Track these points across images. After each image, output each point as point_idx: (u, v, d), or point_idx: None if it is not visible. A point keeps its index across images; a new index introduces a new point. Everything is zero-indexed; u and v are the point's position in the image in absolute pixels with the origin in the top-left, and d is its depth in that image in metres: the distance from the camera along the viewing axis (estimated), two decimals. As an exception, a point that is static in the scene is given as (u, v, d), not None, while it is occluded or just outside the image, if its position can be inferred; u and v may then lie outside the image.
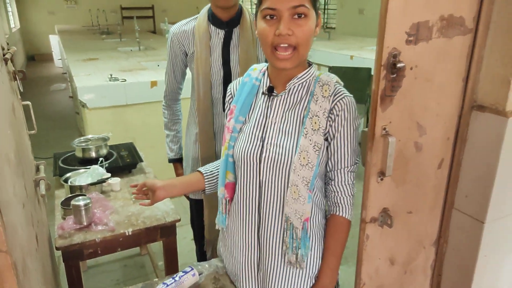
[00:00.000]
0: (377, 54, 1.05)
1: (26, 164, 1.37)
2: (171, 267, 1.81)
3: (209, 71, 1.63)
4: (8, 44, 1.45)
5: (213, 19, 1.61)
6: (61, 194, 1.96)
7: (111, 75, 3.19)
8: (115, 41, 6.30)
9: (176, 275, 1.29)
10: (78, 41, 6.33)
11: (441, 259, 1.34)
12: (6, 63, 1.27)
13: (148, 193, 1.27)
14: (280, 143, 1.09)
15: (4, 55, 1.27)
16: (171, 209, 1.81)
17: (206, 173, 1.31)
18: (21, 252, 0.95)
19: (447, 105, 1.17)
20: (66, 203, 1.77)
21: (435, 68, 1.12)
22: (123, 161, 2.18)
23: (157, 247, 2.80)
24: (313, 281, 1.18)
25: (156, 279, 1.38)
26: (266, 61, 1.62)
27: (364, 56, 4.42)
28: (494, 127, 1.14)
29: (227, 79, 1.63)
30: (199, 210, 1.82)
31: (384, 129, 1.09)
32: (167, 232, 1.75)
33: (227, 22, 1.60)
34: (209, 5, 1.63)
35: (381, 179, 1.13)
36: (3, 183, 0.89)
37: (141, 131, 3.21)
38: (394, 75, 1.07)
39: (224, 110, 1.66)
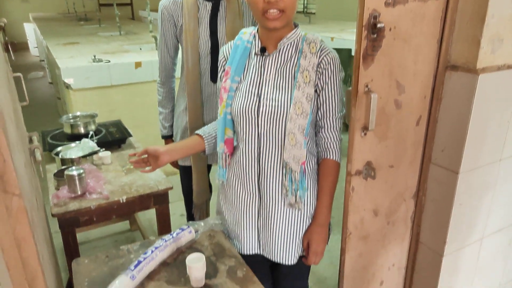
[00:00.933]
0: (359, 16, 1.13)
1: (21, 133, 1.40)
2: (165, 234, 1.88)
3: (197, 42, 1.69)
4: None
5: None
6: (52, 168, 1.99)
7: (94, 56, 3.18)
8: (95, 27, 6.21)
9: (174, 232, 1.36)
10: (56, 27, 6.21)
11: (420, 211, 1.45)
12: None
13: (147, 161, 1.33)
14: (276, 97, 1.18)
15: (-3, 22, 1.29)
16: (163, 179, 1.87)
17: (204, 135, 1.37)
18: (28, 203, 0.99)
19: (423, 65, 1.27)
20: (59, 174, 1.80)
21: (411, 30, 1.21)
22: (112, 136, 2.22)
23: (146, 222, 2.86)
24: (310, 221, 1.29)
25: (153, 237, 1.44)
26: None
27: (344, 37, 4.51)
28: (466, 85, 1.24)
29: (214, 50, 1.69)
30: (188, 176, 1.88)
31: (367, 86, 1.17)
32: (160, 199, 1.81)
33: None
34: None
35: (365, 134, 1.22)
36: (10, 134, 0.93)
37: (127, 111, 3.23)
38: (375, 35, 1.15)
39: (212, 80, 1.73)
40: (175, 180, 2.01)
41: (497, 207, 1.50)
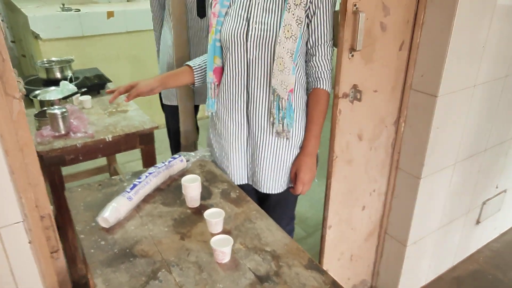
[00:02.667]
0: None
1: None
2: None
3: None
4: None
5: None
6: (30, 112, 1.93)
7: (63, 4, 3.03)
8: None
9: (166, 160, 1.38)
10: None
11: (401, 137, 1.53)
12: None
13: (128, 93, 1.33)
14: (265, 21, 1.18)
15: None
16: (147, 119, 1.86)
17: (194, 66, 1.37)
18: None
19: (407, -12, 1.30)
20: (40, 115, 1.76)
21: (398, -48, 1.23)
22: (91, 82, 2.17)
23: (126, 170, 2.85)
24: (298, 150, 1.32)
25: (145, 168, 1.46)
26: None
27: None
28: (447, 8, 1.29)
29: None
30: (175, 116, 1.89)
31: (355, 5, 1.20)
32: (146, 139, 1.81)
33: None
34: None
35: (352, 55, 1.26)
36: None
37: (101, 64, 3.12)
38: (364, -45, 1.17)
39: (198, 15, 1.70)
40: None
41: (470, 133, 1.61)
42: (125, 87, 1.33)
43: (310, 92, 1.28)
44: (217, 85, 1.33)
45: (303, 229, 2.34)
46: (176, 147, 2.01)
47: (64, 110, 1.67)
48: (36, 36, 2.88)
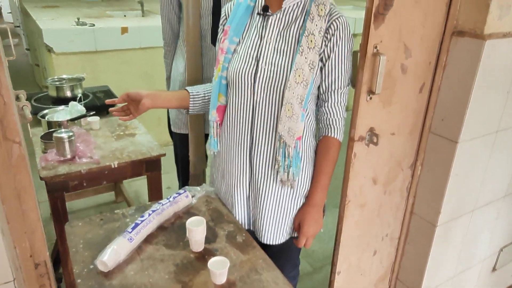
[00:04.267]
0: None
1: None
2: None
3: (196, 1, 1.58)
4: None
5: None
6: (38, 132, 1.90)
7: (78, 19, 3.03)
8: (74, -7, 5.92)
9: (170, 196, 1.33)
10: (33, -10, 5.88)
11: (416, 181, 1.46)
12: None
13: (127, 109, 1.28)
14: (275, 62, 1.12)
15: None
16: (155, 145, 1.82)
17: (192, 92, 1.31)
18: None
19: (431, 29, 1.25)
20: (46, 137, 1.72)
21: (423, -8, 1.18)
22: (101, 101, 2.14)
23: (133, 194, 2.81)
24: (303, 200, 1.25)
25: (149, 202, 1.40)
26: None
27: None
28: (471, 51, 1.23)
29: (216, 10, 1.60)
30: (184, 144, 1.84)
31: (376, 47, 1.15)
32: (152, 166, 1.77)
33: None
34: None
35: (370, 98, 1.21)
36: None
37: (114, 80, 3.12)
38: (387, -5, 1.12)
39: (212, 43, 1.65)
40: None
41: (490, 179, 1.53)
42: (121, 97, 1.27)
43: (320, 140, 1.21)
44: (219, 124, 1.28)
45: (309, 264, 2.26)
46: (183, 174, 1.96)
47: (71, 134, 1.63)
48: (50, 50, 2.87)
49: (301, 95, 1.10)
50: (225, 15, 1.25)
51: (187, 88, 1.33)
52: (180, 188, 2.08)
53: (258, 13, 1.17)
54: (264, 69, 1.13)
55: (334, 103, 1.17)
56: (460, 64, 1.27)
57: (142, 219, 1.19)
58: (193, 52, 1.67)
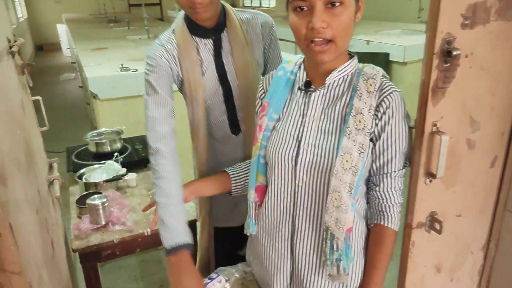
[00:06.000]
0: (429, 40, 0.93)
1: (38, 164, 1.28)
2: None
3: (202, 95, 1.28)
4: (14, 35, 1.35)
5: (195, 29, 1.24)
6: (76, 190, 1.89)
7: (122, 65, 3.07)
8: (123, 30, 6.16)
9: (203, 281, 1.20)
10: (86, 30, 6.21)
11: (490, 264, 1.23)
12: (13, 57, 1.17)
13: None
14: (319, 144, 0.98)
15: (10, 48, 1.16)
16: (191, 207, 1.72)
17: (233, 174, 1.21)
18: (36, 268, 0.86)
19: (503, 96, 1.05)
20: (81, 201, 1.69)
21: (491, 55, 0.99)
22: (138, 155, 2.09)
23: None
24: None
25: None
26: (265, 65, 1.40)
27: (381, 40, 4.24)
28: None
29: (228, 96, 1.32)
30: (228, 240, 1.53)
31: (435, 125, 0.97)
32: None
33: (214, 28, 1.25)
34: (182, 12, 1.27)
35: (430, 181, 1.02)
36: (12, 192, 0.80)
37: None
38: (448, 64, 0.94)
39: (233, 133, 1.38)
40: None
41: None
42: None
43: (372, 227, 1.04)
44: (258, 205, 1.14)
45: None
46: (218, 251, 1.78)
47: (104, 200, 1.57)
48: (95, 96, 2.92)
49: (350, 182, 0.94)
50: (263, 88, 1.13)
51: (226, 169, 1.22)
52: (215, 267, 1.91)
53: (299, 88, 1.04)
54: (307, 151, 0.99)
55: (387, 188, 1.00)
56: (542, 134, 1.05)
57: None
58: (202, 150, 1.37)
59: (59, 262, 1.25)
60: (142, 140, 2.31)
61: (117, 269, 2.50)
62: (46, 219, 1.15)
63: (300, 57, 1.09)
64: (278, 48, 1.40)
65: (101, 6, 8.76)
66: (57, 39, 10.61)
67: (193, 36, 1.26)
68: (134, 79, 2.98)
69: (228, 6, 1.30)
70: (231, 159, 1.39)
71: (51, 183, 1.38)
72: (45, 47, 11.47)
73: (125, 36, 5.28)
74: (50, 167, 1.52)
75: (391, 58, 4.01)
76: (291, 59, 1.10)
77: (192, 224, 1.65)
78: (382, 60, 4.01)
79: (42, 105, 1.42)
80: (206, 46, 1.27)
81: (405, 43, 3.89)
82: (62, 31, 9.51)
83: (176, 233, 1.15)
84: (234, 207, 1.47)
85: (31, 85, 1.37)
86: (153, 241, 1.62)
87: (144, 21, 5.25)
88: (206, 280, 1.21)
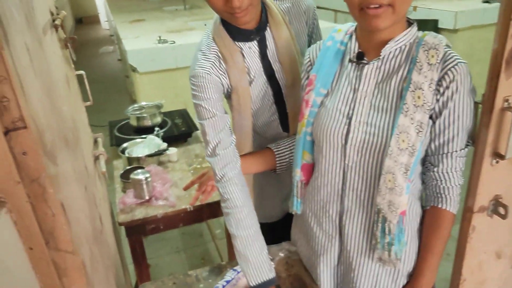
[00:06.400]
0: (505, 2, 0.82)
1: (84, 140, 1.29)
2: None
3: (250, 103, 1.19)
4: (57, 8, 1.33)
5: (237, 34, 1.11)
6: (119, 164, 1.92)
7: (159, 37, 3.05)
8: (159, 0, 6.13)
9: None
10: (123, 1, 6.22)
11: (556, 251, 1.14)
12: (57, 30, 1.16)
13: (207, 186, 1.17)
14: (371, 122, 0.91)
15: (54, 20, 1.15)
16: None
17: (278, 151, 1.16)
18: (87, 244, 0.87)
19: None
20: (125, 175, 1.71)
21: None
22: (178, 130, 2.09)
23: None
24: (406, 280, 1.02)
25: (224, 263, 1.29)
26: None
27: (429, 6, 3.96)
28: None
29: (278, 96, 1.22)
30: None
31: (507, 101, 0.87)
32: (229, 207, 1.65)
33: (256, 28, 1.13)
34: (216, 16, 1.13)
35: (497, 162, 0.93)
36: (62, 170, 0.79)
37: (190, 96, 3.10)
38: (526, 31, 0.83)
39: (284, 130, 1.28)
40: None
41: None
42: (197, 176, 1.18)
43: (428, 209, 0.97)
44: (304, 184, 1.09)
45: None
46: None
47: (147, 175, 1.58)
48: (134, 70, 2.93)
49: (406, 164, 0.87)
50: (310, 59, 1.06)
51: (270, 146, 1.17)
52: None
53: (350, 60, 0.96)
54: (358, 129, 0.92)
55: (447, 168, 0.92)
56: None
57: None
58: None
59: (107, 236, 1.27)
60: (181, 114, 2.31)
61: (160, 241, 2.57)
62: (94, 194, 1.16)
63: (351, 25, 1.00)
64: (319, 28, 1.28)
65: (137, -23, 8.70)
66: (96, 11, 10.76)
67: (236, 42, 1.12)
68: (171, 51, 2.96)
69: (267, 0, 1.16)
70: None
71: (96, 158, 1.40)
72: (84, 19, 11.67)
73: (162, 7, 5.25)
74: (95, 141, 1.53)
75: (440, 25, 3.75)
76: (340, 28, 1.01)
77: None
78: (430, 27, 3.75)
79: (85, 80, 1.42)
80: (251, 49, 1.14)
81: (456, 8, 3.61)
82: (100, 3, 9.62)
83: (261, 270, 1.06)
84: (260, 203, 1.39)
85: (74, 59, 1.37)
86: (195, 216, 1.62)
87: (180, -9, 5.17)
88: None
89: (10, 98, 0.57)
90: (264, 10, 1.14)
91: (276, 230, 1.35)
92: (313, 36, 1.27)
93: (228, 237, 1.72)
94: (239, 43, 1.12)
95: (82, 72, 1.45)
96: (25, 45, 0.70)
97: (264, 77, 1.18)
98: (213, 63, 1.10)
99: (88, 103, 1.48)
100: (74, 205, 0.83)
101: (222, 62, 1.11)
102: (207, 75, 1.08)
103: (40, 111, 0.69)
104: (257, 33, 1.13)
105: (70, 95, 1.22)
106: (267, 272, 1.06)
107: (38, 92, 0.73)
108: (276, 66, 1.18)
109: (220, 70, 1.11)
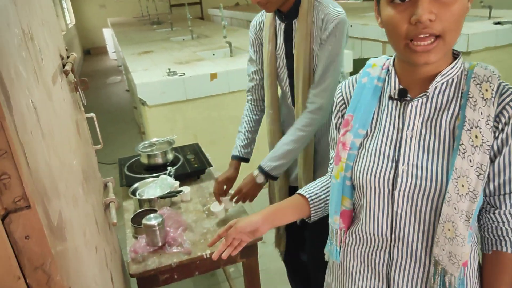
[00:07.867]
0: None
1: (94, 188, 1.20)
2: (253, 289, 1.62)
3: (274, 64, 1.57)
4: (67, 50, 1.27)
5: (278, 11, 1.49)
6: (129, 206, 1.83)
7: (169, 69, 3.01)
8: (167, 31, 6.19)
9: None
10: (131, 33, 6.29)
11: None
12: (67, 75, 1.09)
13: (234, 239, 1.06)
14: (422, 165, 0.82)
15: (63, 66, 1.08)
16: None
17: (311, 197, 1.06)
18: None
19: None
20: (136, 220, 1.61)
21: None
22: (191, 167, 2.00)
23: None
24: None
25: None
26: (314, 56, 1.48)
27: None
28: None
29: (290, 73, 1.54)
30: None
31: None
32: (247, 252, 1.55)
33: (286, 14, 1.47)
34: None
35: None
36: (72, 237, 0.70)
37: (202, 126, 3.04)
38: None
39: (292, 104, 1.59)
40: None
41: None
42: (224, 229, 1.08)
43: (490, 254, 0.87)
44: (344, 231, 1.00)
45: None
46: (294, 277, 1.71)
47: (160, 220, 1.48)
48: (143, 103, 2.88)
49: (467, 210, 0.78)
50: (343, 98, 0.98)
51: (300, 192, 1.08)
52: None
53: (390, 97, 0.88)
54: (407, 173, 0.83)
55: (510, 210, 0.83)
56: None
57: None
58: (272, 112, 1.65)
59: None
60: (194, 149, 2.23)
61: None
62: (105, 252, 1.06)
63: (386, 58, 0.92)
64: (334, 47, 1.39)
65: (144, 9, 8.88)
66: (104, 42, 10.95)
67: (276, 18, 1.51)
68: (181, 83, 2.91)
69: None
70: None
71: (107, 206, 1.31)
72: (92, 51, 11.88)
73: (169, 38, 5.28)
74: (105, 186, 1.44)
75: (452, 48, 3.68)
76: (375, 62, 0.93)
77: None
78: None
79: (96, 123, 1.35)
80: (280, 27, 1.51)
81: (467, 31, 3.55)
82: (108, 35, 9.79)
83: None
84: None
85: (85, 103, 1.30)
86: (211, 263, 1.51)
87: (187, 22, 5.22)
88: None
89: (11, 174, 0.48)
90: (299, 3, 1.42)
91: None
92: (322, 48, 1.43)
93: (244, 276, 1.61)
94: (278, 19, 1.51)
95: (92, 114, 1.38)
96: (32, 104, 0.63)
97: (283, 52, 1.52)
98: (260, 22, 1.60)
99: (99, 147, 1.40)
100: (83, 274, 0.74)
101: (262, 26, 1.58)
102: (252, 25, 1.64)
103: (46, 180, 0.60)
104: (285, 19, 1.47)
105: (80, 142, 1.14)
106: None
107: (44, 154, 0.64)
108: (293, 51, 1.48)
109: (260, 27, 1.60)
